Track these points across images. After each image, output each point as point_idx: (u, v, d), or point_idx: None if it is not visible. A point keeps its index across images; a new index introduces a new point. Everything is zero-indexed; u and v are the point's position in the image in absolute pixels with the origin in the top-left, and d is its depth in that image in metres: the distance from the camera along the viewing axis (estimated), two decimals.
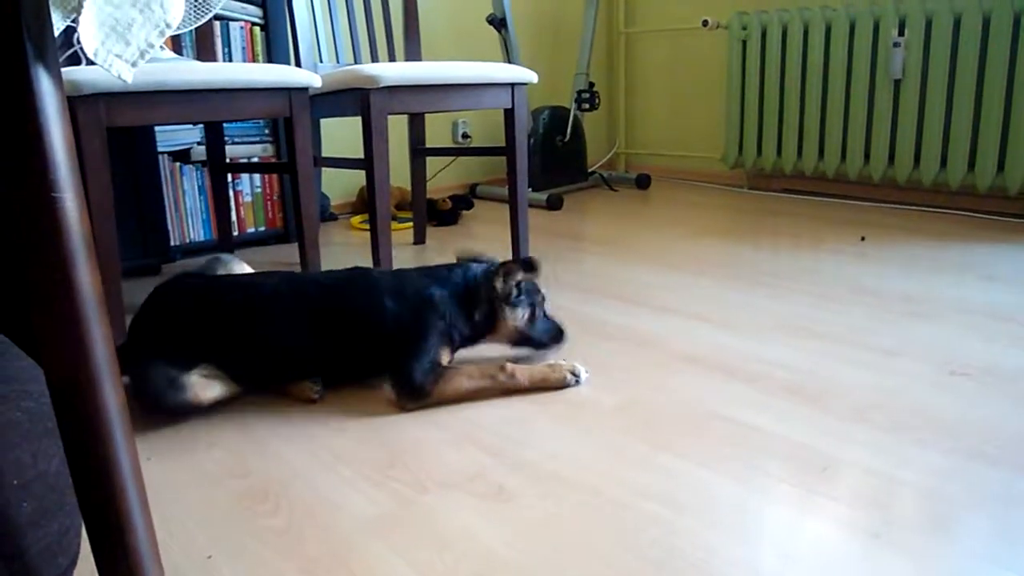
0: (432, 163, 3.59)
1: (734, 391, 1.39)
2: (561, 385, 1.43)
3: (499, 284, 1.49)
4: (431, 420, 1.31)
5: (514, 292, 1.50)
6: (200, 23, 2.00)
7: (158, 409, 1.31)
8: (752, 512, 1.00)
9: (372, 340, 1.40)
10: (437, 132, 3.61)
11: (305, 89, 1.85)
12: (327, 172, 3.20)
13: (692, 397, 1.36)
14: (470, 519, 1.01)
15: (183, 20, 2.04)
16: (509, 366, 1.42)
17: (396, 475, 1.13)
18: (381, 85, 1.87)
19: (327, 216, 3.18)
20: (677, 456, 1.15)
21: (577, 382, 1.44)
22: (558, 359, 1.51)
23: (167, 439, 1.27)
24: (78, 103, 1.56)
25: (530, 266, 1.51)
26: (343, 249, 2.63)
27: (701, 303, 1.90)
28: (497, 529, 0.98)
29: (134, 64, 0.75)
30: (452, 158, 3.66)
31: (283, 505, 1.06)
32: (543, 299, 1.56)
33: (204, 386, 1.33)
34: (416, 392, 1.36)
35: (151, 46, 0.77)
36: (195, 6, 2.06)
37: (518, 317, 1.53)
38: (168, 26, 0.79)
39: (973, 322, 1.70)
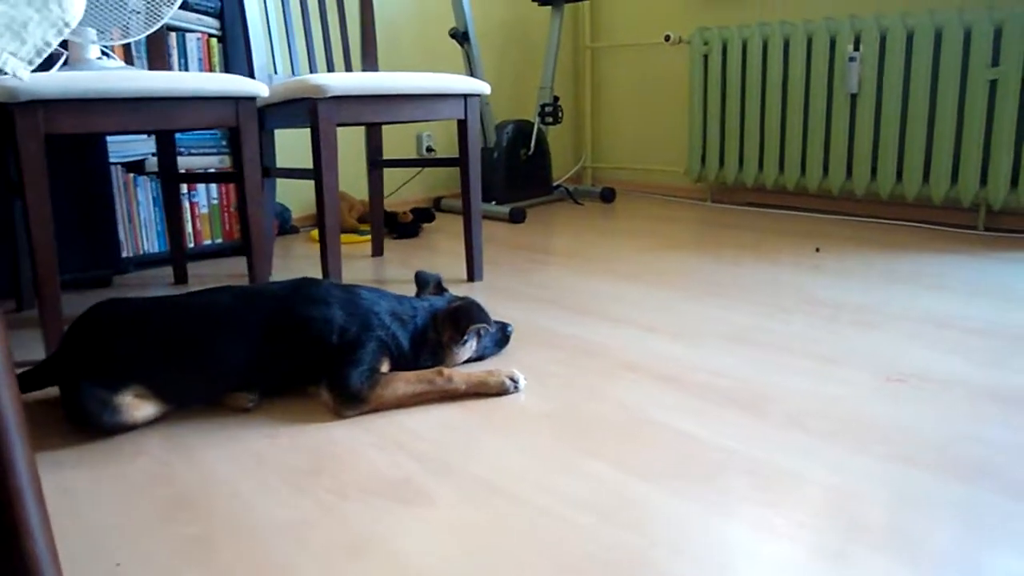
0: (397, 176, 3.59)
1: (672, 399, 1.38)
2: (499, 391, 1.42)
3: (446, 336, 1.52)
4: (364, 426, 1.30)
5: (463, 336, 1.53)
6: (152, 31, 1.99)
7: (90, 429, 1.29)
8: (674, 517, 0.99)
9: (314, 349, 1.38)
10: (402, 145, 3.61)
11: (252, 99, 1.84)
12: (290, 185, 3.19)
13: (629, 405, 1.36)
14: (388, 525, 0.99)
15: (133, 28, 2.03)
16: (447, 371, 1.41)
17: (320, 481, 1.11)
18: (329, 95, 1.86)
19: (288, 229, 3.16)
20: (606, 463, 1.15)
21: (516, 388, 1.43)
22: (498, 366, 1.50)
23: (94, 447, 1.25)
24: (16, 110, 1.54)
25: (479, 316, 1.52)
26: (303, 262, 2.62)
27: (652, 314, 1.90)
28: (413, 535, 0.97)
29: (30, 62, 0.74)
30: (416, 171, 3.66)
31: (202, 513, 1.04)
32: (488, 325, 1.55)
33: (137, 406, 1.31)
34: (353, 398, 1.35)
35: (48, 44, 0.76)
36: (147, 14, 2.05)
37: (464, 354, 1.57)
38: (67, 25, 0.78)
39: (916, 330, 1.72)
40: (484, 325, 1.53)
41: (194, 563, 0.93)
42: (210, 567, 0.92)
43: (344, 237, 2.99)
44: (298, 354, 1.39)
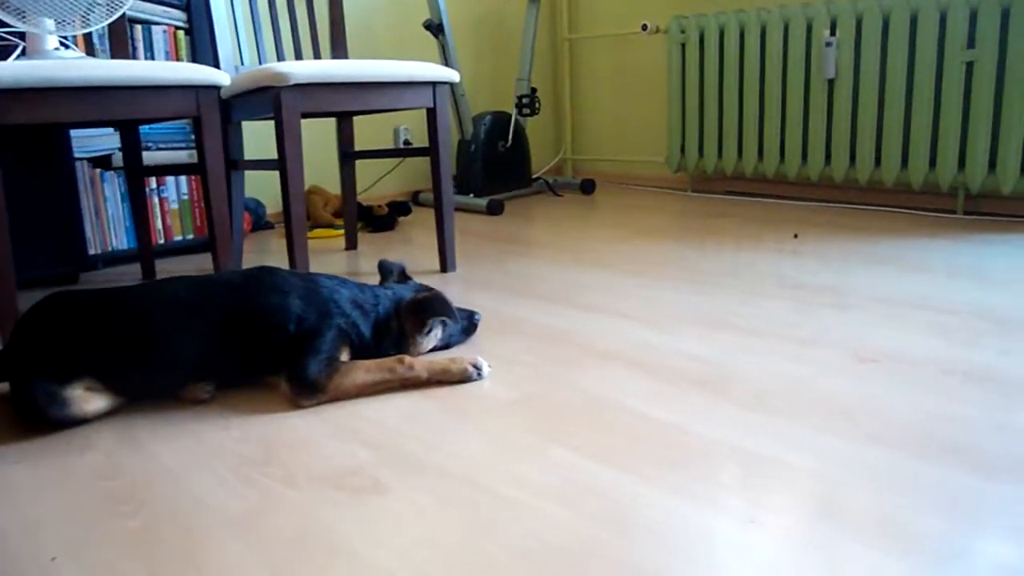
0: (374, 170, 3.56)
1: (640, 384, 1.35)
2: (462, 378, 1.39)
3: (409, 326, 1.48)
4: (320, 416, 1.27)
5: (426, 328, 1.49)
6: (113, 19, 1.95)
7: (39, 423, 1.25)
8: (630, 501, 0.96)
9: (271, 339, 1.35)
10: (378, 139, 3.57)
11: (214, 88, 1.81)
12: (265, 179, 3.15)
13: (595, 391, 1.33)
14: (336, 514, 0.96)
15: (94, 18, 1.99)
16: (408, 359, 1.38)
17: (269, 471, 1.08)
18: (291, 83, 1.83)
19: (263, 225, 3.12)
20: (568, 449, 1.12)
21: (479, 375, 1.40)
22: (464, 353, 1.47)
23: (40, 442, 1.21)
24: None
25: (441, 309, 1.48)
26: (276, 257, 2.58)
27: (627, 301, 1.87)
28: (361, 524, 0.93)
29: None
30: (395, 164, 3.63)
31: (146, 505, 1.01)
32: (450, 317, 1.51)
33: (87, 399, 1.27)
34: (311, 387, 1.31)
35: None
36: (107, 4, 2.00)
37: (428, 344, 1.53)
38: None
39: (893, 312, 1.69)
40: (445, 318, 1.49)
41: (132, 555, 0.89)
42: (148, 559, 0.88)
43: (319, 232, 2.95)
44: (255, 344, 1.35)
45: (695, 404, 1.25)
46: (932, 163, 2.80)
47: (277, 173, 1.97)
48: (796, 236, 2.52)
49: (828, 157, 3.06)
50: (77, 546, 0.92)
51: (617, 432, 1.16)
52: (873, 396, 1.25)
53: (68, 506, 1.02)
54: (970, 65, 2.65)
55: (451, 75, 2.13)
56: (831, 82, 2.99)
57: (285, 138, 1.85)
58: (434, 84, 2.11)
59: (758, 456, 1.06)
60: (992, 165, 2.69)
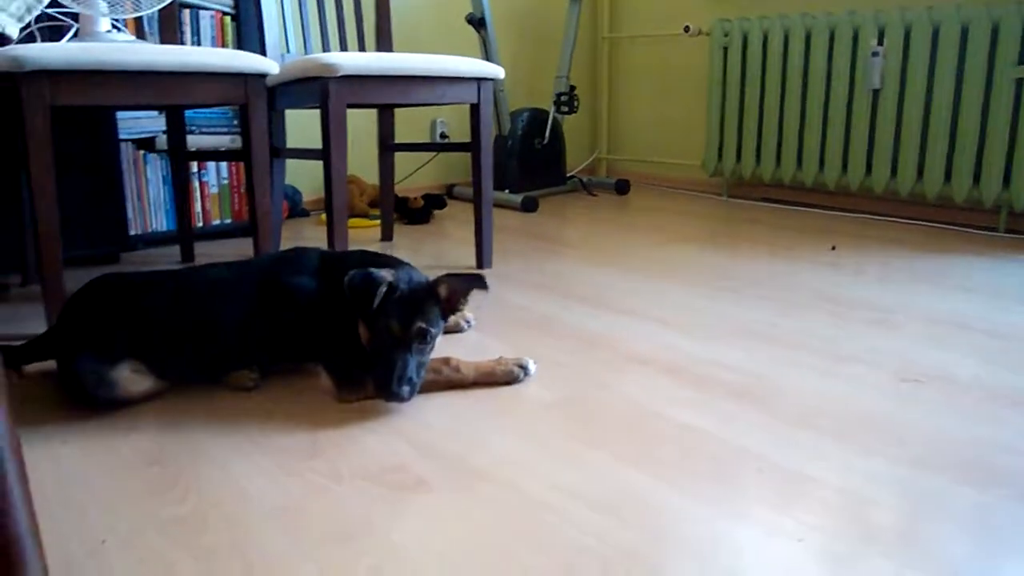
0: (410, 162, 3.56)
1: (679, 392, 1.35)
2: (508, 379, 1.39)
3: (443, 291, 1.37)
4: (362, 411, 1.27)
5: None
6: (163, 5, 1.96)
7: (86, 402, 1.27)
8: (672, 512, 0.96)
9: (307, 318, 1.35)
10: (416, 131, 3.58)
11: (262, 76, 1.82)
12: (302, 167, 3.17)
13: (634, 397, 1.33)
14: (379, 511, 0.97)
15: (145, 2, 2.00)
16: (454, 360, 1.38)
17: (314, 465, 1.09)
18: (340, 74, 1.83)
19: (299, 211, 3.14)
20: (607, 454, 1.12)
21: (526, 374, 1.40)
22: (506, 353, 1.47)
23: (86, 424, 1.23)
24: (22, 80, 1.52)
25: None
26: (312, 244, 2.59)
27: (662, 307, 1.87)
28: (404, 522, 0.94)
29: (20, 19, 0.72)
30: (430, 157, 3.63)
31: (191, 493, 1.02)
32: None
33: (133, 381, 1.29)
34: (355, 384, 1.32)
35: (38, 1, 0.73)
36: None
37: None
38: None
39: (936, 332, 1.67)
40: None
41: (180, 543, 0.90)
42: (195, 548, 0.89)
43: (354, 221, 2.96)
44: (293, 327, 1.35)
45: (736, 417, 1.25)
46: (976, 179, 2.76)
47: (312, 161, 1.97)
48: (834, 248, 2.50)
49: (869, 168, 3.03)
50: (126, 531, 0.93)
51: (655, 440, 1.16)
52: (916, 418, 1.24)
53: (116, 489, 1.03)
54: (1020, 82, 2.60)
55: (496, 71, 2.12)
56: (876, 92, 2.95)
57: (331, 128, 1.86)
58: (479, 80, 2.11)
59: (796, 473, 1.06)
60: None
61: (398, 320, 1.25)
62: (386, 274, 1.28)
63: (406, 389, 1.22)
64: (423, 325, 1.26)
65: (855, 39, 2.98)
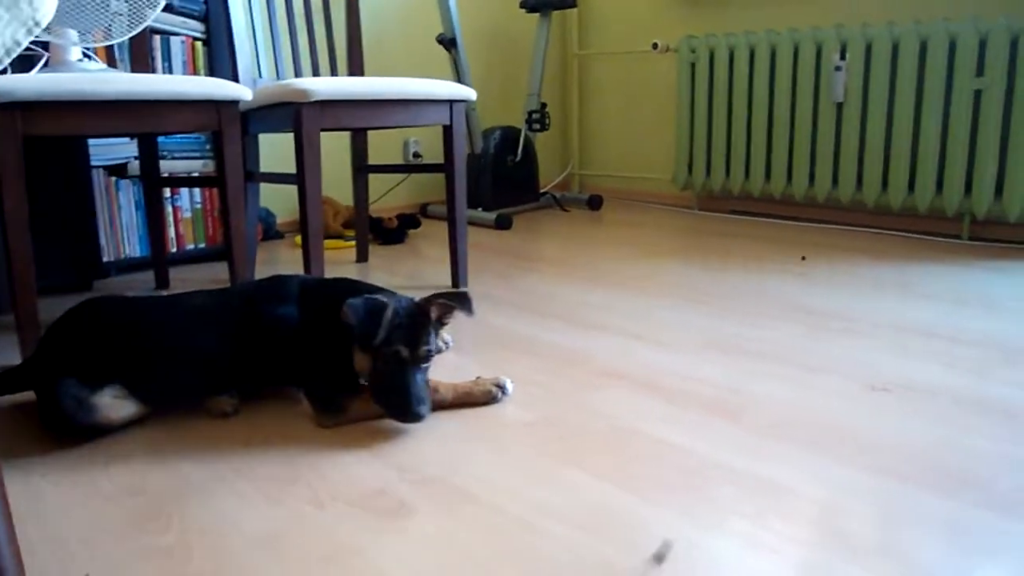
0: (383, 182, 3.58)
1: (653, 407, 1.37)
2: (486, 400, 1.40)
3: (435, 312, 1.39)
4: (343, 435, 1.28)
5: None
6: (135, 33, 1.97)
7: (65, 431, 1.27)
8: (649, 527, 0.98)
9: (287, 346, 1.36)
10: (388, 150, 3.59)
11: (234, 102, 1.83)
12: (275, 190, 3.17)
13: (610, 413, 1.35)
14: (364, 535, 0.98)
15: (116, 30, 2.01)
16: (433, 381, 1.39)
17: (296, 491, 1.10)
18: (313, 99, 1.85)
19: (273, 234, 3.14)
20: (588, 474, 1.14)
21: (504, 394, 1.42)
22: (483, 373, 1.49)
23: (65, 456, 1.23)
24: None
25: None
26: (287, 267, 2.59)
27: (637, 322, 1.89)
28: (389, 546, 0.95)
29: None
30: (403, 177, 3.65)
31: (175, 523, 1.02)
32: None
33: (114, 407, 1.29)
34: (335, 409, 1.33)
35: (17, 43, 0.74)
36: (130, 16, 2.03)
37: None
38: (37, 24, 0.76)
39: (902, 340, 1.71)
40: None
41: (165, 574, 0.91)
42: None
43: (329, 243, 2.96)
44: (273, 349, 1.36)
45: (708, 429, 1.27)
46: (939, 188, 2.83)
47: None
48: (804, 258, 2.54)
49: (835, 179, 3.09)
50: (109, 563, 0.93)
51: (631, 456, 1.18)
52: (885, 426, 1.27)
53: (96, 522, 1.03)
54: (979, 93, 2.68)
55: (468, 93, 2.15)
56: (840, 105, 3.02)
57: (305, 154, 1.87)
58: (451, 102, 2.14)
59: (771, 484, 1.08)
60: (999, 191, 2.71)
61: (405, 345, 1.27)
62: (385, 300, 1.30)
63: (424, 408, 1.26)
64: (428, 347, 1.30)
65: (818, 54, 3.05)
